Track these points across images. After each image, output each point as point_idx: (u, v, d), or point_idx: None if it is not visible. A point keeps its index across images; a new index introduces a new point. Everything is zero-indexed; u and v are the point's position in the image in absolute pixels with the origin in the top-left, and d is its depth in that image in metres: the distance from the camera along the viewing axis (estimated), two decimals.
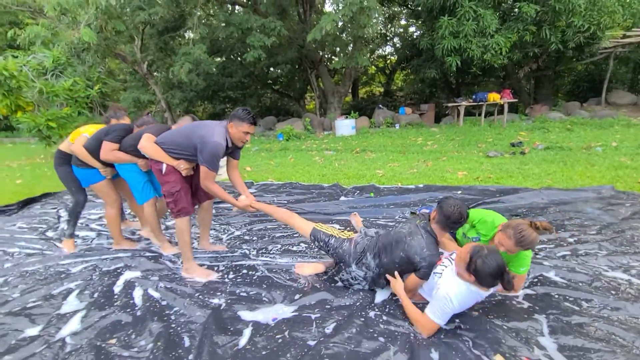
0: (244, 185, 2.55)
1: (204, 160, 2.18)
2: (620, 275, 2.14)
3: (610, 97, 10.94)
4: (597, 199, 3.41)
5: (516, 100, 10.67)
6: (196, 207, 2.67)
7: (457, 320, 1.75)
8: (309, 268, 2.34)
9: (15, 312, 2.03)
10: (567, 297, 1.94)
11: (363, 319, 1.82)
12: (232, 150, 2.42)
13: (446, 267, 1.78)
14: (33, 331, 1.85)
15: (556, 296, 1.96)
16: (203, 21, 10.93)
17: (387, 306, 1.94)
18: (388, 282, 1.96)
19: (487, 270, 1.56)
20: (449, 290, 1.64)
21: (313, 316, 1.85)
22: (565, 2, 7.75)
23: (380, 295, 2.03)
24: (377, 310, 1.89)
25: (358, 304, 1.95)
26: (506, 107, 8.99)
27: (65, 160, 2.87)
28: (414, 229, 1.89)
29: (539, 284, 2.09)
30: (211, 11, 12.78)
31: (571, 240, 2.64)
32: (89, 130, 2.78)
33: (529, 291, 2.03)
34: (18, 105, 7.50)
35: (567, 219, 3.02)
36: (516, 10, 8.55)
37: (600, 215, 3.04)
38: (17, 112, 7.58)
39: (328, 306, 1.94)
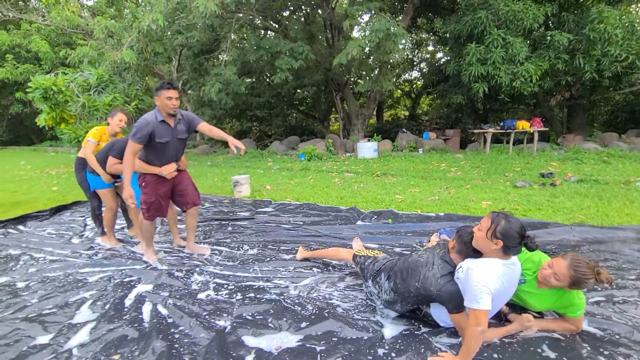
0: (221, 133, 2.75)
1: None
2: None
3: None
4: (637, 240, 3.14)
5: (547, 129, 10.28)
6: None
7: None
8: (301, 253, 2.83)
9: (31, 318, 2.10)
10: (602, 351, 1.75)
11: (371, 357, 1.72)
12: (183, 122, 2.69)
13: (465, 262, 1.75)
14: (44, 339, 1.89)
15: (588, 348, 1.78)
16: (236, 44, 11.50)
17: (399, 342, 1.83)
18: (401, 311, 1.98)
19: (514, 228, 1.58)
20: (475, 269, 1.60)
21: (318, 348, 1.77)
22: (601, 31, 7.52)
23: (391, 331, 1.92)
24: (386, 347, 1.79)
25: (366, 338, 1.86)
26: (536, 135, 8.66)
27: (84, 166, 3.23)
28: (430, 259, 1.85)
29: (568, 333, 1.90)
30: (244, 35, 13.48)
31: (607, 284, 2.41)
32: (93, 134, 3.15)
33: (557, 335, 1.85)
34: (62, 118, 8.12)
35: (602, 260, 2.79)
36: (548, 38, 8.39)
37: None
38: (61, 123, 8.19)
39: (335, 339, 1.86)
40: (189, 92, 14.39)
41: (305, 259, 2.89)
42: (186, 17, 7.82)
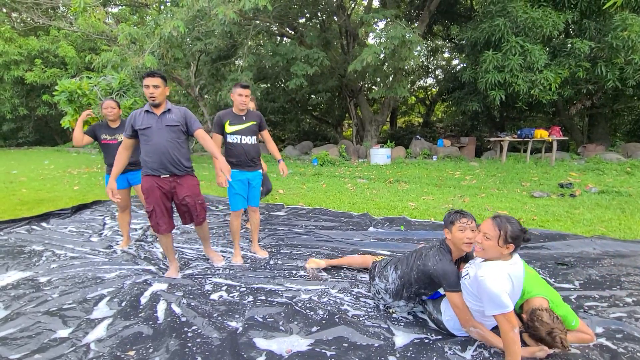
0: (213, 149, 2.60)
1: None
2: None
3: None
4: None
5: (566, 138, 10.02)
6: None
7: None
8: (314, 263, 2.78)
9: (51, 312, 2.18)
10: None
11: None
12: (175, 114, 2.55)
13: (469, 267, 1.81)
14: (64, 333, 1.96)
15: None
16: (252, 51, 11.73)
17: (410, 350, 1.81)
18: (408, 298, 2.02)
19: (519, 229, 1.66)
20: (484, 276, 1.63)
21: (328, 353, 1.77)
22: (624, 39, 7.32)
23: (402, 339, 1.90)
24: (397, 355, 1.77)
25: (377, 345, 1.85)
26: (555, 144, 8.45)
27: None
28: (434, 243, 2.01)
29: (587, 349, 1.84)
30: (261, 42, 13.72)
31: (629, 300, 2.32)
32: None
33: (574, 350, 1.80)
34: (85, 120, 8.42)
35: (624, 274, 2.69)
36: (568, 46, 8.22)
37: None
38: (84, 125, 8.49)
39: (345, 344, 1.85)
40: (206, 96, 14.70)
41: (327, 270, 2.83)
42: (205, 24, 8.03)
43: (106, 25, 12.87)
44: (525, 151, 9.21)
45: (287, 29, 11.70)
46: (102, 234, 3.84)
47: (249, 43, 10.34)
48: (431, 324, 2.03)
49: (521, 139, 8.84)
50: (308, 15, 11.70)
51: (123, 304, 2.27)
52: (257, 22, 9.87)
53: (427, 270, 1.87)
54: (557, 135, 8.62)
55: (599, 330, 1.97)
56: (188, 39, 9.49)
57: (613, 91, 9.28)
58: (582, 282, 2.56)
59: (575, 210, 4.38)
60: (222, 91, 9.71)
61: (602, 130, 11.19)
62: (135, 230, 3.91)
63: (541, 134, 8.54)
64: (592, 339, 1.86)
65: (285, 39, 12.30)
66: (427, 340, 1.89)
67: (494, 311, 1.59)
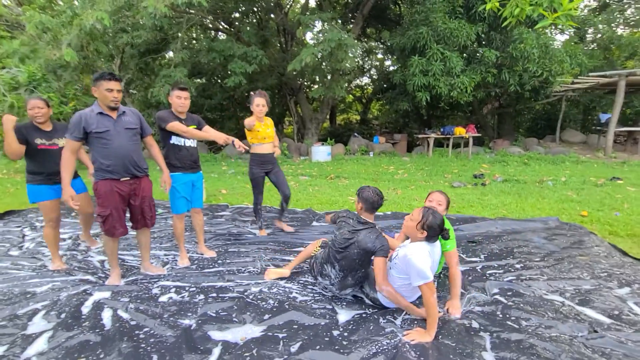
0: (159, 159, 2.88)
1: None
2: (556, 298, 2.40)
3: (563, 135, 12.05)
4: (544, 229, 3.78)
5: (480, 134, 11.51)
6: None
7: (407, 343, 1.91)
8: (274, 274, 2.71)
9: None
10: (510, 317, 2.17)
11: (328, 338, 1.95)
12: (131, 116, 2.54)
13: (399, 249, 2.16)
14: None
15: (500, 316, 2.19)
16: (186, 45, 11.18)
17: (352, 324, 2.09)
18: (355, 284, 2.31)
19: (437, 223, 2.00)
20: (412, 254, 1.97)
21: (280, 335, 1.96)
22: (521, 50, 8.68)
23: (345, 316, 2.17)
24: (340, 329, 2.03)
25: (323, 324, 2.09)
26: (471, 140, 9.69)
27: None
28: (355, 225, 2.26)
29: (485, 306, 2.31)
30: (194, 35, 13.11)
31: (518, 266, 2.92)
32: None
33: (478, 309, 2.25)
34: None
35: (517, 247, 3.33)
36: (479, 54, 9.46)
37: (545, 244, 3.38)
38: None
39: (295, 326, 2.06)
40: (133, 92, 13.59)
41: (278, 265, 2.92)
42: (133, 17, 7.50)
43: (5, 7, 11.12)
44: (447, 146, 10.37)
45: (222, 23, 11.39)
46: (22, 246, 3.48)
47: (182, 36, 9.87)
48: (368, 302, 2.34)
49: (444, 136, 9.94)
50: (244, 9, 11.52)
51: (62, 315, 2.17)
52: (191, 14, 9.47)
53: (367, 249, 2.16)
54: (473, 132, 9.88)
55: (496, 290, 2.47)
56: (110, 31, 8.72)
57: (515, 94, 10.91)
58: (486, 255, 3.13)
59: (485, 197, 5.17)
60: (154, 87, 9.13)
61: (508, 127, 13.06)
62: (64, 240, 3.62)
63: (460, 131, 9.72)
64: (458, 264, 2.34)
65: (220, 34, 11.96)
66: (365, 315, 2.19)
67: (419, 282, 1.95)
